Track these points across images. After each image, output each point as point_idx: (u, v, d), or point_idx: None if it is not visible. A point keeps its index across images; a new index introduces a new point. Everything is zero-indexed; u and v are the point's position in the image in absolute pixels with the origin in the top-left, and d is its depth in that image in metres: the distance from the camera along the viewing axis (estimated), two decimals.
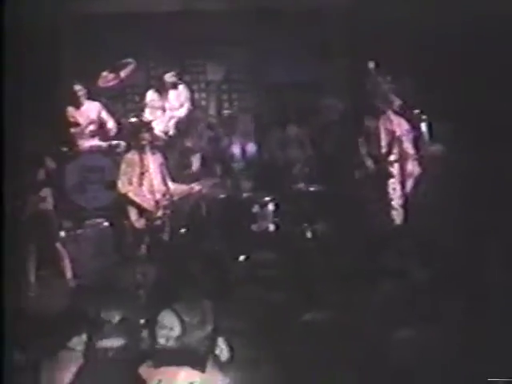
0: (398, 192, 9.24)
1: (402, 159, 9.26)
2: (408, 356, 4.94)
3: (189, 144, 10.21)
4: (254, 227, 9.82)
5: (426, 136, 9.10)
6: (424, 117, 9.08)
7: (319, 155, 10.29)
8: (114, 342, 5.54)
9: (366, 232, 8.68)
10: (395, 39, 9.73)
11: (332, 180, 9.77)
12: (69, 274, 8.65)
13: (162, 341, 5.35)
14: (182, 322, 5.52)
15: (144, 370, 4.90)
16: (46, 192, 8.70)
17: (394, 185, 9.28)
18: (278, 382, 5.04)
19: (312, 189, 9.87)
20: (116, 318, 5.80)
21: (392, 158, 9.32)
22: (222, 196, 9.93)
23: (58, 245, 8.73)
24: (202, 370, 4.83)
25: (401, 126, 9.35)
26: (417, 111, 9.15)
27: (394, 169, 9.33)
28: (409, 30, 9.65)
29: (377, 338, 5.22)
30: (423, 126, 9.10)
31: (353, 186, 9.49)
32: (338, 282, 6.50)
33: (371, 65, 9.45)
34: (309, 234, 9.40)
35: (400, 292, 6.05)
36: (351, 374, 4.98)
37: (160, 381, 4.76)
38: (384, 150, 9.33)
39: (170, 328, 5.43)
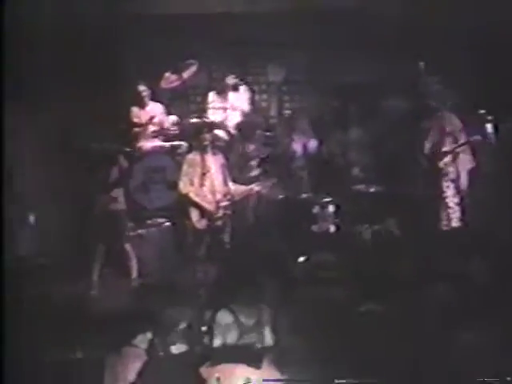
0: (453, 190, 9.16)
1: (457, 157, 9.19)
2: (464, 356, 4.91)
3: (249, 145, 10.25)
4: (314, 228, 9.81)
5: (492, 137, 8.97)
6: (490, 117, 8.95)
7: (379, 156, 10.23)
8: (177, 343, 5.65)
9: (426, 232, 8.61)
10: (453, 40, 9.65)
11: (392, 181, 9.70)
12: (134, 273, 8.75)
13: (219, 340, 5.46)
14: (238, 322, 5.60)
15: (204, 370, 5.00)
16: (118, 192, 8.82)
17: (448, 183, 9.20)
18: (335, 376, 5.04)
19: (372, 190, 9.83)
20: (179, 320, 5.90)
21: (447, 158, 9.24)
22: (282, 197, 9.94)
23: (128, 245, 8.84)
24: (258, 366, 4.90)
25: (455, 124, 9.25)
26: (482, 111, 9.02)
27: (450, 167, 9.24)
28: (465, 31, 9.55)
29: (436, 336, 5.19)
30: (489, 127, 8.97)
31: (412, 187, 9.42)
32: (398, 281, 6.47)
33: (422, 65, 9.42)
34: (369, 235, 9.37)
35: (458, 292, 6.01)
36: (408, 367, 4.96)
37: (218, 378, 4.86)
38: (439, 149, 9.26)
39: (226, 328, 5.52)
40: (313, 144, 10.51)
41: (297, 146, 10.49)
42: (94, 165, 8.54)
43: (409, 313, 5.88)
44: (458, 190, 9.18)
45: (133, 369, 5.04)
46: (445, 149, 9.20)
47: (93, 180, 8.54)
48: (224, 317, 5.76)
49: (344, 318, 5.87)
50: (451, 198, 9.15)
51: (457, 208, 9.11)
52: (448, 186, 9.20)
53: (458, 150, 9.17)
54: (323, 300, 6.34)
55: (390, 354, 5.14)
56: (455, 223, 9.02)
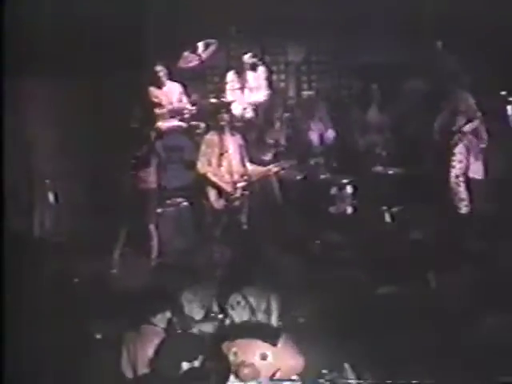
0: (463, 170, 9.06)
1: (471, 138, 9.09)
2: (488, 340, 4.89)
3: (267, 126, 10.22)
4: (331, 209, 9.80)
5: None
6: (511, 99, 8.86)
7: (398, 138, 10.18)
8: (195, 322, 5.68)
9: (445, 214, 8.57)
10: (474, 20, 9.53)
11: (411, 163, 9.65)
12: (154, 253, 8.76)
13: (235, 319, 5.51)
14: (254, 303, 5.63)
15: (224, 345, 5.05)
16: (148, 170, 8.77)
17: (457, 163, 9.09)
18: (350, 356, 5.04)
19: (391, 172, 9.79)
20: (197, 300, 5.91)
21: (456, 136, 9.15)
22: (300, 178, 9.93)
23: (152, 226, 8.84)
24: (274, 343, 4.93)
25: (470, 104, 9.14)
26: (503, 93, 8.93)
27: (459, 147, 9.14)
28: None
29: (458, 319, 5.17)
30: (509, 109, 8.88)
31: (431, 169, 9.36)
32: (417, 264, 6.44)
33: (440, 45, 9.34)
34: (387, 217, 9.34)
35: (479, 274, 5.99)
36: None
37: (236, 352, 4.91)
38: (449, 128, 9.17)
39: (242, 308, 5.55)
40: (330, 134, 10.47)
41: (314, 131, 10.45)
42: (124, 143, 8.52)
43: (429, 295, 5.86)
44: (466, 170, 9.06)
45: (151, 346, 5.04)
46: (454, 128, 9.09)
47: (121, 158, 8.52)
48: (239, 297, 5.76)
49: (362, 300, 5.86)
50: (460, 179, 9.05)
51: (464, 190, 9.02)
52: (457, 166, 9.09)
53: (467, 129, 9.04)
54: (341, 282, 6.32)
55: (409, 337, 5.12)
56: (465, 207, 8.95)
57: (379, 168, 9.94)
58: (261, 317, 5.78)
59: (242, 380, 4.99)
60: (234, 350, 5.02)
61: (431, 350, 5.03)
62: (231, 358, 5.03)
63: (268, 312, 5.78)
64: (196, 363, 4.90)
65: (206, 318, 5.89)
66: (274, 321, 5.76)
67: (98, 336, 5.54)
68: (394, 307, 5.60)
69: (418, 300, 5.79)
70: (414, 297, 5.84)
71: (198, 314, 5.94)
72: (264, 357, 4.92)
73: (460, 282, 5.89)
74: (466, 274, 6.04)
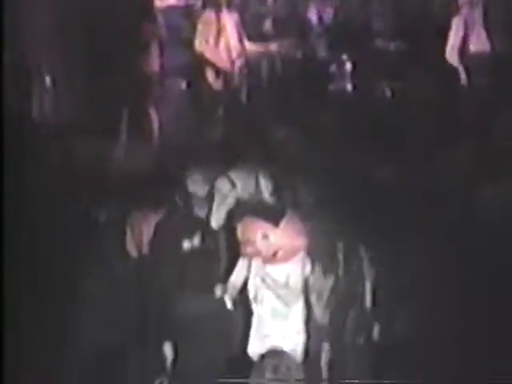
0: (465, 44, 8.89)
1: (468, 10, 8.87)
2: (491, 211, 4.93)
3: (264, 3, 10.01)
4: (331, 87, 9.71)
5: None
6: None
7: (400, 10, 9.93)
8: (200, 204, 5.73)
9: (445, 88, 8.47)
10: None
11: (412, 37, 9.47)
12: (155, 134, 8.74)
13: (240, 197, 5.56)
14: (257, 181, 5.67)
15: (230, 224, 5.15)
16: (154, 51, 8.64)
17: (459, 36, 8.91)
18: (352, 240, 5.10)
19: (392, 46, 9.63)
20: (200, 182, 5.93)
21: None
22: (299, 55, 9.79)
23: (152, 109, 8.79)
24: (276, 224, 4.99)
25: None
26: None
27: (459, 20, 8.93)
28: None
29: (459, 194, 5.20)
30: None
31: (431, 43, 9.20)
32: (418, 140, 6.43)
33: None
34: (388, 93, 9.26)
35: (479, 149, 5.99)
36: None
37: (240, 230, 5.01)
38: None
39: (246, 186, 5.59)
40: (329, 12, 10.22)
41: (313, 6, 10.22)
42: (122, 24, 8.33)
43: (429, 174, 5.87)
44: (464, 42, 8.89)
45: (154, 225, 5.10)
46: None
47: (120, 40, 8.36)
48: (242, 176, 5.77)
49: (360, 181, 5.88)
50: (455, 51, 8.86)
51: (460, 63, 8.87)
52: (453, 38, 8.88)
53: (462, 1, 8.80)
54: (342, 161, 6.33)
55: (408, 216, 5.16)
56: (463, 81, 8.82)
57: (379, 42, 9.76)
58: (265, 196, 5.81)
59: (243, 258, 5.08)
60: (239, 227, 5.09)
61: (432, 223, 5.08)
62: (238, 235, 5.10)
63: (273, 192, 5.81)
64: (197, 242, 4.97)
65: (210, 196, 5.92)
66: (277, 200, 5.79)
67: (102, 219, 5.59)
68: (395, 186, 5.62)
69: (420, 178, 5.81)
70: (414, 176, 5.87)
71: (202, 193, 5.98)
72: (266, 236, 4.98)
73: (459, 156, 5.90)
74: (465, 148, 6.04)
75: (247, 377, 3.59)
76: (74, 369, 4.43)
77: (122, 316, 4.63)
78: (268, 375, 3.49)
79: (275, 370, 3.49)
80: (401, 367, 4.62)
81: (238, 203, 5.57)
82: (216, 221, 5.58)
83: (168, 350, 4.51)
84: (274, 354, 3.68)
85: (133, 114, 8.60)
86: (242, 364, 4.55)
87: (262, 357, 3.67)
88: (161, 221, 5.05)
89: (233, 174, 5.77)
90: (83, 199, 5.79)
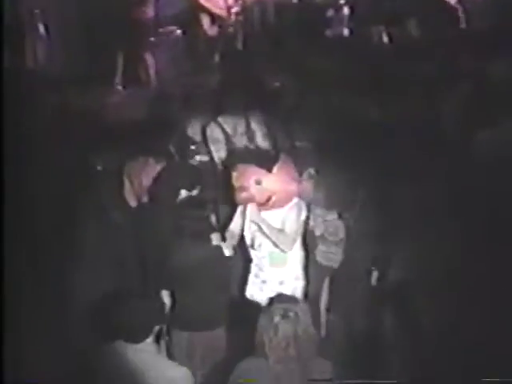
0: None
1: None
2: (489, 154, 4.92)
3: None
4: (328, 32, 9.63)
5: None
6: None
7: None
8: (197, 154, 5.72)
9: (445, 32, 8.40)
10: None
11: None
12: (150, 80, 8.69)
13: (237, 144, 5.57)
14: (252, 128, 5.66)
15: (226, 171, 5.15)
16: None
17: None
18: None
19: None
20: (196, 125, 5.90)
21: None
22: (295, 0, 9.68)
23: (148, 54, 8.71)
24: (269, 170, 4.98)
25: None
26: None
27: None
28: None
29: (458, 136, 5.19)
30: None
31: None
32: (416, 84, 6.38)
33: None
34: (384, 38, 9.18)
35: (479, 92, 5.96)
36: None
37: (236, 177, 5.01)
38: None
39: (240, 133, 5.59)
40: None
41: None
42: None
43: (427, 116, 5.85)
44: None
45: (152, 175, 5.08)
46: None
47: None
48: (241, 121, 5.73)
49: (356, 125, 5.85)
50: None
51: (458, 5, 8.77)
52: None
53: None
54: (334, 107, 6.30)
55: (407, 158, 5.14)
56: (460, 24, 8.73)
57: None
58: (258, 141, 5.79)
59: (237, 203, 5.09)
60: (234, 174, 5.09)
61: (431, 166, 5.07)
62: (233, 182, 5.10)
63: (265, 138, 5.79)
64: (194, 192, 4.96)
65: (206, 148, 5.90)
66: (272, 146, 5.77)
67: (99, 167, 5.56)
68: (393, 130, 5.60)
69: (420, 119, 5.80)
70: (409, 119, 5.85)
71: (199, 138, 5.95)
72: (258, 182, 4.98)
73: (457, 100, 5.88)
74: (462, 92, 6.02)
75: (251, 321, 3.62)
76: (74, 317, 4.47)
77: (120, 264, 4.65)
78: (276, 319, 3.52)
79: (284, 314, 3.51)
80: (398, 311, 4.65)
81: (233, 151, 5.56)
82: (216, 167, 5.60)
83: (166, 296, 4.55)
84: (283, 299, 3.72)
85: (128, 61, 8.55)
86: (246, 309, 4.60)
87: (270, 302, 3.71)
88: (160, 170, 5.02)
89: (221, 120, 5.75)
90: (81, 148, 5.76)
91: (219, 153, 5.72)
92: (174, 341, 4.60)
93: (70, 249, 4.67)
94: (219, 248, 4.65)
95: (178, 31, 9.41)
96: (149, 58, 8.73)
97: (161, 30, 9.37)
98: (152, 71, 8.73)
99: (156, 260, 4.65)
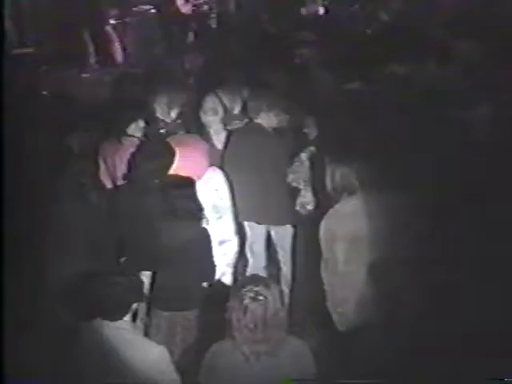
0: None
1: None
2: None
3: None
4: (303, 11, 9.61)
5: None
6: None
7: None
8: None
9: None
10: None
11: None
12: (119, 58, 8.62)
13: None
14: (224, 106, 5.62)
15: None
16: None
17: None
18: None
19: None
20: (169, 108, 5.86)
21: None
22: None
23: (108, 28, 8.63)
24: None
25: None
26: None
27: None
28: None
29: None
30: None
31: None
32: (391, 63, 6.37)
33: None
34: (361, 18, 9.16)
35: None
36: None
37: None
38: None
39: (213, 111, 5.55)
40: None
41: None
42: None
43: (401, 92, 5.84)
44: None
45: (127, 156, 5.03)
46: None
47: None
48: (209, 101, 5.69)
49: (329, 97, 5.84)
50: None
51: None
52: None
53: None
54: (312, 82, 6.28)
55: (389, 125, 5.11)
56: None
57: None
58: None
59: None
60: None
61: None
62: None
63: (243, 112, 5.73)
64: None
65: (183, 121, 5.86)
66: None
67: (75, 149, 5.49)
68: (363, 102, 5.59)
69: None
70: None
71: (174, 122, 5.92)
72: None
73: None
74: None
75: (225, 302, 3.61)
76: (51, 295, 4.43)
77: (99, 244, 4.62)
78: (246, 301, 3.50)
79: (255, 297, 3.50)
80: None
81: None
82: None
83: (145, 276, 4.52)
84: (254, 281, 3.69)
85: (96, 39, 8.47)
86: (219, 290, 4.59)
87: (242, 284, 3.69)
88: (132, 151, 4.97)
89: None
90: (56, 128, 5.68)
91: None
92: (153, 320, 4.58)
93: (47, 229, 4.63)
94: (202, 228, 4.61)
95: (152, 10, 9.34)
96: (112, 33, 8.65)
97: (134, 9, 9.31)
98: (116, 46, 8.67)
99: (134, 239, 4.62)
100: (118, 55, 8.67)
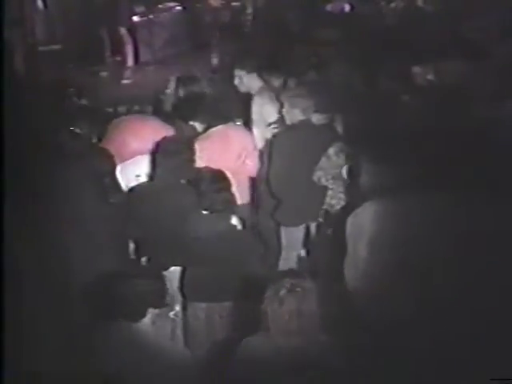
0: None
1: None
2: None
3: None
4: (328, 7, 9.58)
5: None
6: None
7: None
8: None
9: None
10: None
11: None
12: (130, 59, 8.69)
13: None
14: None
15: None
16: None
17: None
18: None
19: None
20: None
21: None
22: None
23: (123, 29, 8.66)
24: None
25: None
26: None
27: None
28: None
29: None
30: None
31: None
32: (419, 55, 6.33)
33: None
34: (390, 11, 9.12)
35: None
36: None
37: None
38: None
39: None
40: None
41: None
42: None
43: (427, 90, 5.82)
44: None
45: None
46: None
47: None
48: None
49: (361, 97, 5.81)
50: None
51: None
52: None
53: None
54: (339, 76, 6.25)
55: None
56: None
57: None
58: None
59: None
60: None
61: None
62: None
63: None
64: None
65: None
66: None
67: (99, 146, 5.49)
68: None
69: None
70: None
71: None
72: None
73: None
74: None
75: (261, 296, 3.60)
76: (74, 294, 4.42)
77: (121, 244, 4.60)
78: (282, 292, 3.51)
79: (291, 289, 3.51)
80: None
81: None
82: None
83: (173, 274, 4.49)
84: (292, 274, 3.70)
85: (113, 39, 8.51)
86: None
87: (279, 276, 3.69)
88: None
89: None
90: (77, 123, 5.67)
91: None
92: (190, 312, 4.54)
93: (70, 227, 4.62)
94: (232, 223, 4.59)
95: (178, 7, 9.35)
96: (124, 34, 8.69)
97: (160, 6, 9.32)
98: (129, 48, 8.72)
99: (158, 237, 4.59)
100: (130, 57, 8.71)
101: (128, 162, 4.83)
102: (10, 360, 3.68)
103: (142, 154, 4.79)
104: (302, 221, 5.37)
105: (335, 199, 5.16)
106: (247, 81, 5.62)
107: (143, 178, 4.78)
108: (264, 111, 5.47)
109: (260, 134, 5.42)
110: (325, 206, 5.18)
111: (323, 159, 5.17)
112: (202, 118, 5.26)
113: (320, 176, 5.18)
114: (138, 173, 4.80)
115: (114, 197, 4.64)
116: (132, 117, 5.54)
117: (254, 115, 5.51)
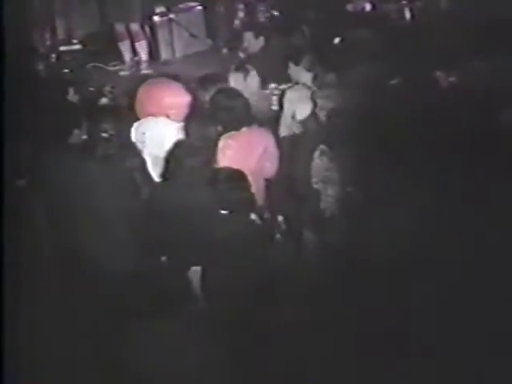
0: None
1: None
2: None
3: None
4: (348, 7, 9.52)
5: None
6: None
7: None
8: None
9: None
10: None
11: None
12: (144, 56, 8.73)
13: None
14: None
15: None
16: None
17: None
18: None
19: None
20: None
21: None
22: None
23: (136, 26, 8.71)
24: None
25: None
26: None
27: None
28: None
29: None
30: None
31: None
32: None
33: None
34: (407, 14, 9.05)
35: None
36: None
37: None
38: None
39: None
40: None
41: None
42: None
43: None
44: None
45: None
46: None
47: None
48: None
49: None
50: None
51: None
52: None
53: None
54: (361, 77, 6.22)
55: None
56: None
57: None
58: None
59: None
60: None
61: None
62: None
63: None
64: None
65: None
66: None
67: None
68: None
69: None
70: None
71: None
72: None
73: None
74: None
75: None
76: (99, 292, 4.42)
77: (145, 242, 4.60)
78: None
79: None
80: None
81: None
82: None
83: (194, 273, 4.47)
84: None
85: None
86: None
87: None
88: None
89: None
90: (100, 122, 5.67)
91: None
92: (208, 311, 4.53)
93: (95, 224, 4.63)
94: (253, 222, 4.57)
95: (199, 7, 9.34)
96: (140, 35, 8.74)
97: (180, 5, 9.30)
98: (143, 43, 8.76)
99: (182, 236, 4.57)
100: (144, 55, 8.74)
101: (141, 120, 5.44)
102: (10, 360, 3.69)
103: (154, 115, 5.38)
104: None
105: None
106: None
107: (147, 136, 5.33)
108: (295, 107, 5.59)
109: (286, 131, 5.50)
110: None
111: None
112: (227, 118, 5.25)
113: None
114: (143, 131, 5.39)
115: (144, 192, 4.69)
116: (158, 80, 6.12)
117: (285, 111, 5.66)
